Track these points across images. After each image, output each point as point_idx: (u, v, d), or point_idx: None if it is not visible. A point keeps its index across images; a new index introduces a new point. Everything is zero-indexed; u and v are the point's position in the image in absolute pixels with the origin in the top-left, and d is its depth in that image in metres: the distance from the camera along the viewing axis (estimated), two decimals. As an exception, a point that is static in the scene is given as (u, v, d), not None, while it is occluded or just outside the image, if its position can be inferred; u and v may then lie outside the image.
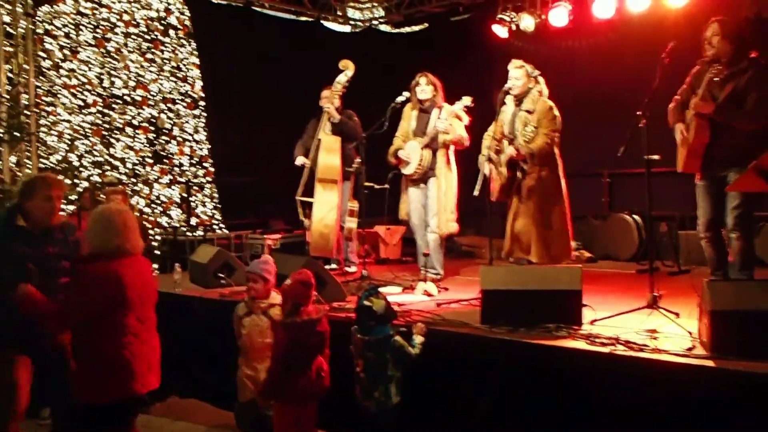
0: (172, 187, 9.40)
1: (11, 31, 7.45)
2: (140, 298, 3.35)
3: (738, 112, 4.32)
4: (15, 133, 6.95)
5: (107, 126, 8.86)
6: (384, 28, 10.93)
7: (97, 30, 8.78)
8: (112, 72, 8.91)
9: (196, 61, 9.59)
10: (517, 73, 5.39)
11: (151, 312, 3.45)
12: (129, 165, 9.04)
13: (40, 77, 8.21)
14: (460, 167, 5.99)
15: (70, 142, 8.52)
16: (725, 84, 4.37)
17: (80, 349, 3.35)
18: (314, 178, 6.61)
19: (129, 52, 9.06)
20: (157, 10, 9.31)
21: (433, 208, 5.87)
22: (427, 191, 5.96)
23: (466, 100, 5.67)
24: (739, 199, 4.39)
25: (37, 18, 8.00)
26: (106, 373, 3.25)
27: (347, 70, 6.68)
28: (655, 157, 4.21)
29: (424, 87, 5.88)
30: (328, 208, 6.51)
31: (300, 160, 6.91)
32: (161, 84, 9.36)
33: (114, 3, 8.90)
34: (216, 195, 9.76)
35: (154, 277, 3.61)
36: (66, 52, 8.53)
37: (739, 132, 4.29)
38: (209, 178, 9.75)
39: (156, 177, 9.18)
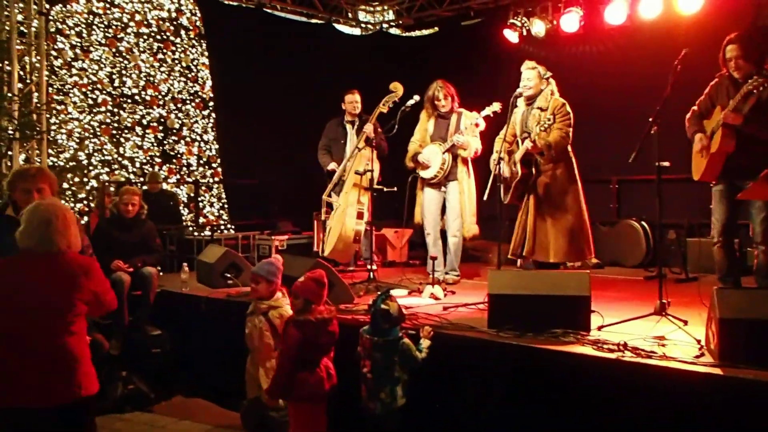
0: (180, 186, 9.44)
1: (24, 29, 7.48)
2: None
3: (765, 122, 4.33)
4: (26, 131, 6.98)
5: (117, 125, 8.91)
6: (394, 31, 10.95)
7: (109, 30, 8.83)
8: (123, 71, 8.96)
9: (207, 61, 9.64)
10: (530, 74, 5.40)
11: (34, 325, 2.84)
12: (137, 164, 9.08)
13: (52, 76, 8.25)
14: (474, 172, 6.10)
15: (79, 141, 8.56)
16: (748, 97, 4.39)
17: None
18: (343, 182, 6.62)
19: (140, 52, 9.11)
20: (169, 11, 9.38)
21: (455, 211, 6.04)
22: (446, 195, 6.11)
23: (495, 106, 5.75)
24: (766, 211, 4.41)
25: (50, 17, 8.02)
26: None
27: (397, 91, 6.47)
28: (666, 164, 4.21)
29: (444, 102, 6.06)
30: (357, 216, 6.48)
31: (332, 165, 6.90)
32: (171, 84, 9.40)
33: (126, 3, 8.97)
34: (223, 195, 9.80)
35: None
36: (77, 51, 8.58)
37: (761, 144, 4.31)
38: (217, 179, 9.79)
39: (164, 176, 9.21)
